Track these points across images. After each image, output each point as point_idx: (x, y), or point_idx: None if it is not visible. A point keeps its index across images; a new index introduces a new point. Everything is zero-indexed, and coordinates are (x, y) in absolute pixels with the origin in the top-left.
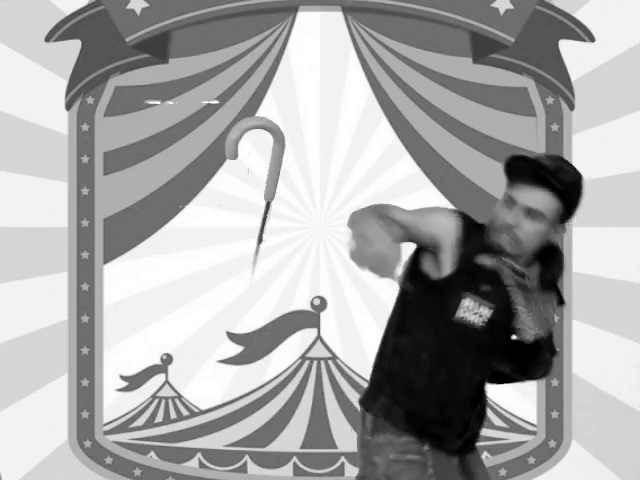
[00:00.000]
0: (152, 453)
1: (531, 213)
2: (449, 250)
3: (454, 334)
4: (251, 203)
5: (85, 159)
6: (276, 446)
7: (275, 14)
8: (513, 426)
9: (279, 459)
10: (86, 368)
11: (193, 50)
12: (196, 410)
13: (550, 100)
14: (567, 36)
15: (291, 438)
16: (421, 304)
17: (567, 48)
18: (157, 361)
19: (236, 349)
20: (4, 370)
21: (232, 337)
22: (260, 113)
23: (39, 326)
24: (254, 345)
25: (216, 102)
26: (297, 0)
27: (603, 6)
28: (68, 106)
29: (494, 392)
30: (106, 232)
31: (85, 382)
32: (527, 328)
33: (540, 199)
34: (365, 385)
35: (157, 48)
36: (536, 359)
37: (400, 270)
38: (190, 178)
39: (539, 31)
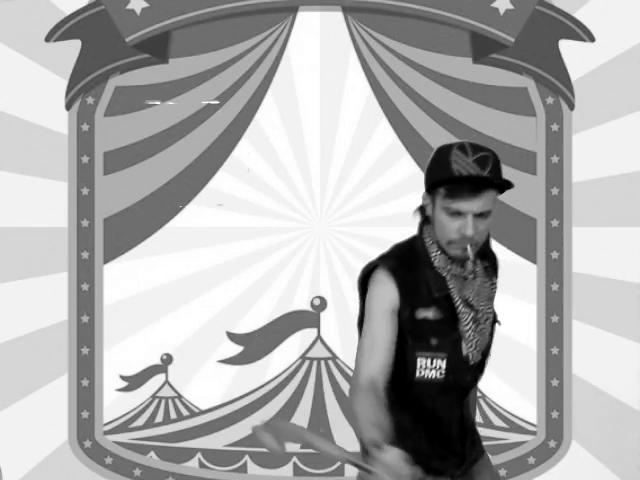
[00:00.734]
0: (152, 453)
1: (482, 215)
2: (395, 317)
3: (420, 390)
4: (251, 203)
5: (85, 159)
6: None
7: (275, 14)
8: (513, 426)
9: (279, 459)
10: (86, 368)
11: (193, 50)
12: (196, 410)
13: (550, 100)
14: (567, 36)
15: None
16: None
17: (567, 48)
18: (157, 361)
19: (236, 349)
20: (4, 370)
21: (232, 337)
22: (260, 113)
23: (39, 326)
24: (254, 345)
25: (216, 102)
26: (297, 0)
27: (603, 6)
28: (68, 106)
29: (494, 392)
30: (106, 232)
31: (85, 382)
32: (473, 349)
33: (485, 200)
34: None
35: (157, 48)
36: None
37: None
38: (190, 178)
39: (539, 31)
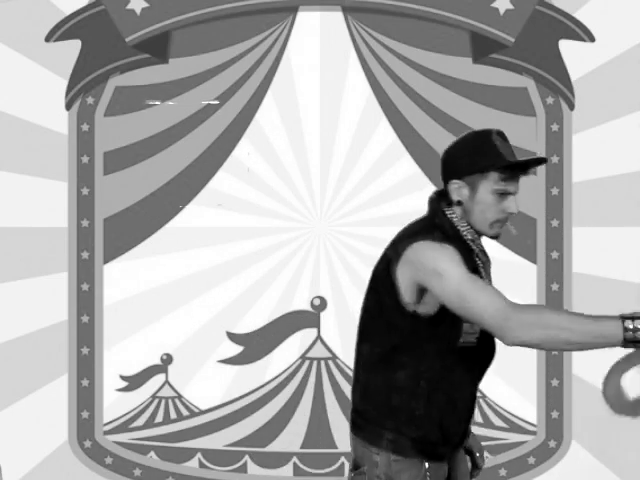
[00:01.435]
0: (152, 453)
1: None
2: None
3: (457, 359)
4: (251, 203)
5: (85, 159)
6: (276, 446)
7: (275, 14)
8: (513, 426)
9: (279, 459)
10: (86, 368)
11: (193, 50)
12: (196, 410)
13: (550, 100)
14: (567, 36)
15: (291, 438)
16: (416, 338)
17: (567, 48)
18: (157, 361)
19: (236, 349)
20: (4, 370)
21: (232, 337)
22: (260, 113)
23: (39, 326)
24: (254, 345)
25: (216, 102)
26: (297, 0)
27: (603, 6)
28: (68, 106)
29: (494, 392)
30: (106, 232)
31: (85, 382)
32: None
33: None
34: None
35: (157, 48)
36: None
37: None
38: (190, 178)
39: (539, 31)
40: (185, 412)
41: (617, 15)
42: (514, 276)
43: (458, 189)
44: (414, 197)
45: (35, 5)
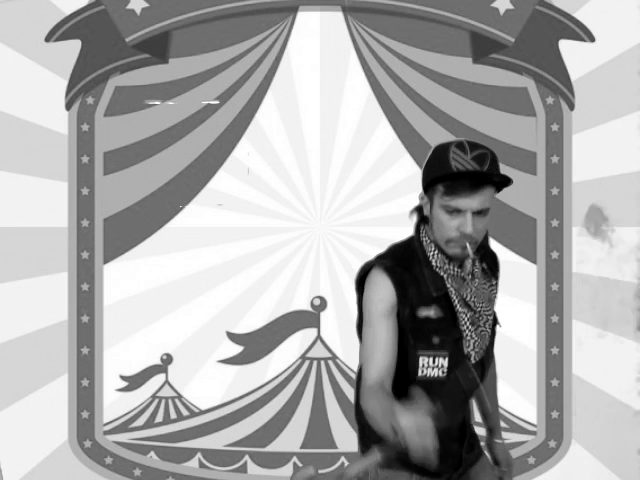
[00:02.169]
0: (152, 453)
1: (480, 212)
2: (394, 316)
3: (423, 389)
4: (251, 203)
5: (85, 159)
6: (276, 446)
7: (275, 14)
8: (513, 426)
9: (279, 459)
10: (86, 368)
11: (193, 50)
12: (196, 410)
13: (550, 100)
14: (567, 36)
15: (291, 438)
16: None
17: (567, 48)
18: (157, 361)
19: (236, 349)
20: (4, 370)
21: (232, 337)
22: (260, 113)
23: (39, 326)
24: (254, 345)
25: (216, 102)
26: (297, 0)
27: (603, 6)
28: (68, 106)
29: None
30: (106, 232)
31: (85, 382)
32: (472, 349)
33: (483, 198)
34: None
35: (157, 48)
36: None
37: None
38: (190, 178)
39: (539, 31)
40: (185, 412)
41: (617, 15)
42: (514, 276)
43: (425, 204)
44: (414, 197)
45: (35, 5)
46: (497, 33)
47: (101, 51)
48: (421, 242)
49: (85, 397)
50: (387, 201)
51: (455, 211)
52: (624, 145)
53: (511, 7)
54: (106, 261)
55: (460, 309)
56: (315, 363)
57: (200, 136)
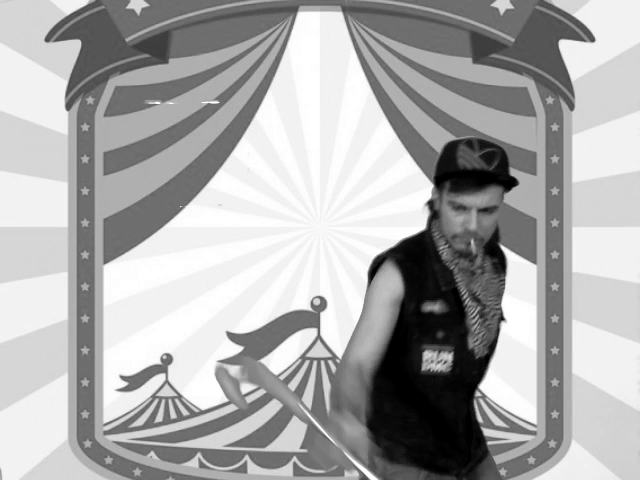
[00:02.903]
0: (152, 453)
1: (486, 210)
2: (398, 308)
3: (426, 384)
4: (251, 203)
5: (85, 159)
6: (276, 446)
7: (275, 14)
8: (513, 426)
9: (279, 459)
10: (86, 368)
11: (193, 50)
12: (196, 410)
13: (550, 100)
14: (567, 36)
15: (291, 438)
16: (386, 359)
17: (567, 48)
18: (157, 361)
19: (236, 349)
20: (4, 370)
21: (232, 337)
22: (260, 113)
23: (39, 326)
24: (254, 345)
25: (216, 102)
26: (297, 0)
27: (603, 6)
28: (68, 106)
29: (494, 392)
30: (106, 232)
31: (85, 382)
32: (479, 344)
33: (490, 196)
34: None
35: (157, 48)
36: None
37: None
38: (190, 178)
39: (539, 31)
40: (185, 412)
41: (617, 15)
42: (514, 276)
43: (435, 199)
44: (414, 197)
45: (35, 5)
46: (497, 33)
47: (101, 51)
48: (432, 236)
49: (85, 397)
50: (387, 201)
51: (460, 208)
52: (624, 145)
53: (511, 7)
54: (106, 261)
55: (469, 303)
56: (315, 363)
57: (200, 136)
